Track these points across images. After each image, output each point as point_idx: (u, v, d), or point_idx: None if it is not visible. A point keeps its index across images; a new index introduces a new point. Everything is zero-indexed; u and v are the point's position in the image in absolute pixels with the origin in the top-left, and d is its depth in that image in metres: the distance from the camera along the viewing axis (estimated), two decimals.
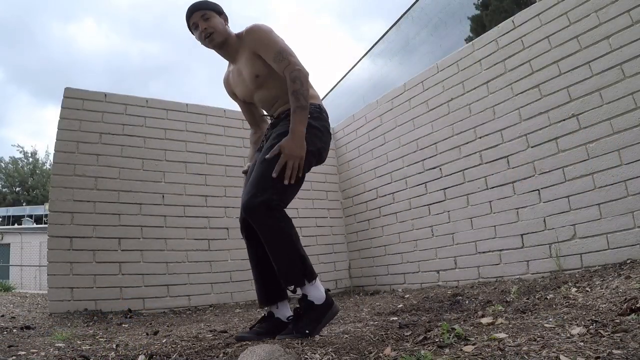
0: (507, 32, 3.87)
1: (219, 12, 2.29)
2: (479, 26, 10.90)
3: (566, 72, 3.41)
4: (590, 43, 3.27)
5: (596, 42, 3.23)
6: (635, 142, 2.98)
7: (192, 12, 2.26)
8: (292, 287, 1.94)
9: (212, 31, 2.21)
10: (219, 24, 2.25)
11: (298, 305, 1.95)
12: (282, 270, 1.95)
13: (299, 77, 2.03)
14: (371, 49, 10.08)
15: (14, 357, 1.85)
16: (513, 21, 3.84)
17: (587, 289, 2.47)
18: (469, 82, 4.15)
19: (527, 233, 3.59)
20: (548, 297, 2.46)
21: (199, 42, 2.28)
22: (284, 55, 2.08)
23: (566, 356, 1.27)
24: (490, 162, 3.91)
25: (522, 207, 3.64)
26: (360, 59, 10.39)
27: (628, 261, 2.90)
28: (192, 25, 2.27)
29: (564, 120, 3.40)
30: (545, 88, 3.54)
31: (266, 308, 2.18)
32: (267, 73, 2.19)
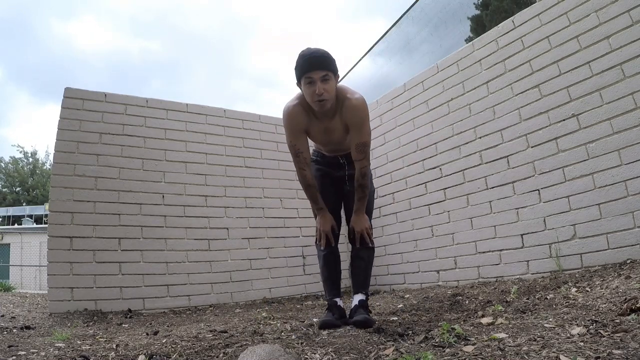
0: (507, 32, 3.87)
1: (336, 72, 2.27)
2: (479, 26, 10.90)
3: (566, 72, 3.41)
4: (590, 43, 3.27)
5: (596, 42, 3.23)
6: (635, 142, 2.98)
7: (315, 67, 2.18)
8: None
9: (327, 98, 2.21)
10: (333, 90, 2.25)
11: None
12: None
13: (368, 174, 2.41)
14: (372, 48, 10.07)
15: (14, 357, 1.85)
16: (513, 21, 3.84)
17: (587, 289, 2.47)
18: (469, 82, 4.15)
19: (527, 233, 3.59)
20: (548, 297, 2.46)
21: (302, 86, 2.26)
22: (366, 150, 2.37)
23: (566, 356, 1.27)
24: (490, 162, 3.91)
25: (522, 207, 3.64)
26: (361, 59, 10.37)
27: (628, 261, 2.90)
28: (307, 78, 2.20)
29: (564, 120, 3.40)
30: (545, 88, 3.54)
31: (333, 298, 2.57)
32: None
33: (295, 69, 2.25)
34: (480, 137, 4.01)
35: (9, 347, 2.13)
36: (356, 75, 10.60)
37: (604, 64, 3.18)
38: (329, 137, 2.45)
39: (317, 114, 2.35)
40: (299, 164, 2.43)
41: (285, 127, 2.43)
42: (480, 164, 4.00)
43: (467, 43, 4.56)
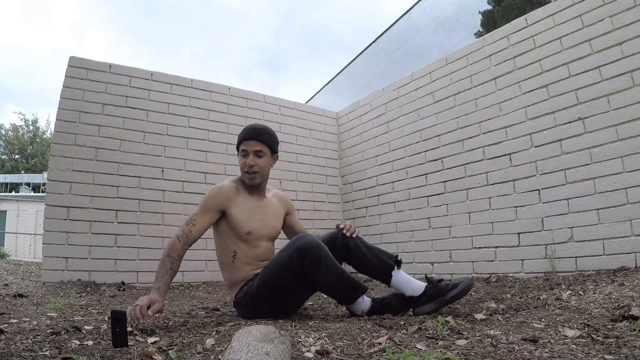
0: (519, 30, 3.83)
1: (274, 151, 2.36)
2: (490, 21, 10.81)
3: (576, 75, 3.38)
4: (603, 48, 3.24)
5: (608, 47, 3.20)
6: None
7: (250, 137, 2.27)
8: None
9: (257, 171, 2.30)
10: (267, 167, 2.34)
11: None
12: None
13: None
14: (379, 37, 10.00)
15: (5, 325, 1.84)
16: (526, 19, 3.80)
17: (580, 292, 2.48)
18: (477, 77, 4.13)
19: (524, 232, 3.60)
20: (541, 297, 2.47)
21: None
22: None
23: (559, 357, 1.28)
24: (493, 158, 3.90)
25: (521, 206, 3.65)
26: (368, 46, 10.31)
27: (622, 268, 2.91)
28: (242, 150, 2.30)
29: (569, 122, 3.39)
30: (553, 89, 3.52)
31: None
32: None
33: (238, 137, 2.35)
34: (484, 133, 4.00)
35: (1, 314, 2.13)
36: (362, 62, 10.55)
37: (614, 70, 3.16)
38: (266, 225, 2.40)
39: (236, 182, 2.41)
40: (183, 231, 2.16)
41: (203, 199, 2.31)
42: (482, 160, 3.99)
43: (476, 37, 4.52)
